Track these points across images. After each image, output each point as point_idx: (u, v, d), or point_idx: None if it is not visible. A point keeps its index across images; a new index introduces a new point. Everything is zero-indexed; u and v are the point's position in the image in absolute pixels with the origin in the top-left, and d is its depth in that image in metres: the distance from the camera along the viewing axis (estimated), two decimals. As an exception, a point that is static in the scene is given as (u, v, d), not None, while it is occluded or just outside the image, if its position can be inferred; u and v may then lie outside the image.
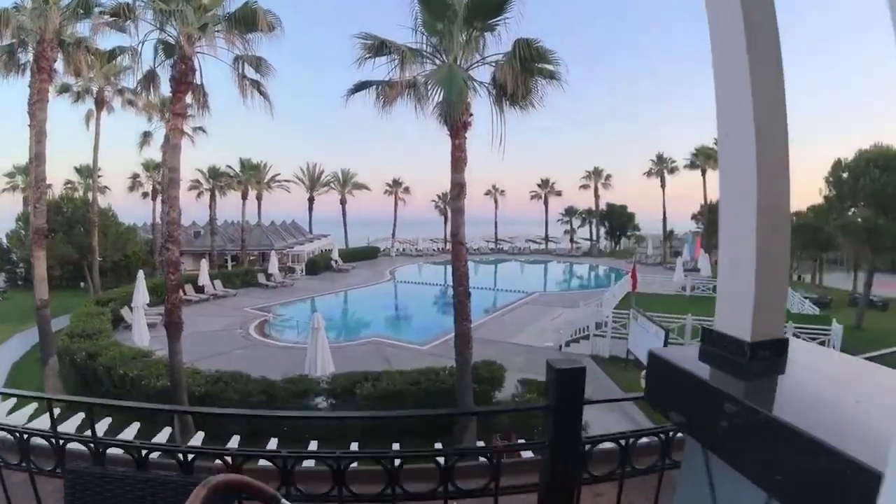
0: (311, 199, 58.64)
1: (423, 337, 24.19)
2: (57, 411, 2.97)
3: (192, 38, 12.86)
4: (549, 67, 12.89)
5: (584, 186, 60.79)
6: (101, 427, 7.19)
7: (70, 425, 7.23)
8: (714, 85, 1.70)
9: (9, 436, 2.92)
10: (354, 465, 2.52)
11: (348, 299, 37.01)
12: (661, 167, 52.91)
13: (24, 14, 16.14)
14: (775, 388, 1.55)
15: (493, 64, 13.23)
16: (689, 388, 1.58)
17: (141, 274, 22.50)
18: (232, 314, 28.96)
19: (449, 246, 56.30)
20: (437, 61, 13.28)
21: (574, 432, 2.52)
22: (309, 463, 3.49)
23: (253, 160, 46.64)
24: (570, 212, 66.25)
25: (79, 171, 45.86)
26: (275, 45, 14.46)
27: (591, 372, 18.81)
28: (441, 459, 2.51)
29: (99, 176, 36.47)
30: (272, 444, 11.11)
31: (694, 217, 59.04)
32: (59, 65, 20.26)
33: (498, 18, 12.58)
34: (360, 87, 13.30)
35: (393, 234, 63.77)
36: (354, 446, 9.50)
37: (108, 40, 15.39)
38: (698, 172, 49.59)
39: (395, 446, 7.88)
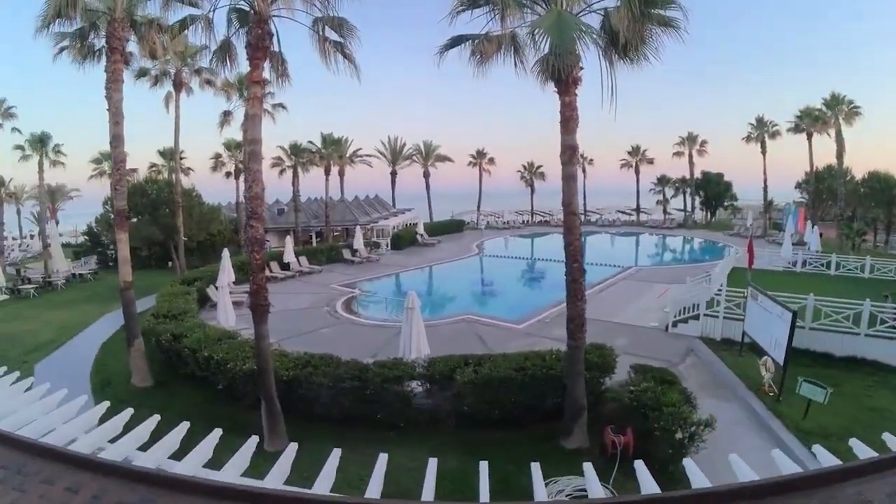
0: (393, 173, 58.61)
1: (517, 314, 23.03)
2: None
3: (267, -3, 11.91)
4: (665, 14, 11.20)
5: (678, 154, 57.79)
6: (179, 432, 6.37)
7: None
8: None
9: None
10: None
11: (436, 274, 36.25)
12: (762, 131, 48.88)
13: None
14: None
15: (601, 12, 11.68)
16: None
17: (226, 252, 22.26)
18: (318, 291, 28.74)
19: (537, 218, 55.63)
20: (540, 9, 11.77)
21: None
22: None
23: (334, 135, 46.48)
24: (662, 181, 62.63)
25: (162, 154, 47.25)
26: (356, 8, 13.42)
27: (702, 356, 17.33)
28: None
29: (182, 158, 37.27)
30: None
31: (798, 186, 54.53)
32: (134, 48, 20.14)
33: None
34: (456, 41, 12.12)
35: (478, 207, 62.69)
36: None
37: (180, 17, 14.65)
38: (803, 136, 45.32)
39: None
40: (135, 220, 33.37)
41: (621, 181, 62.68)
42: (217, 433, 6.00)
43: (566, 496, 9.79)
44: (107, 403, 6.99)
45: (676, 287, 22.42)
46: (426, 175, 59.45)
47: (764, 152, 49.37)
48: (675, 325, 20.36)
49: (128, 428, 6.49)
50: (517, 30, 12.01)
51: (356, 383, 12.66)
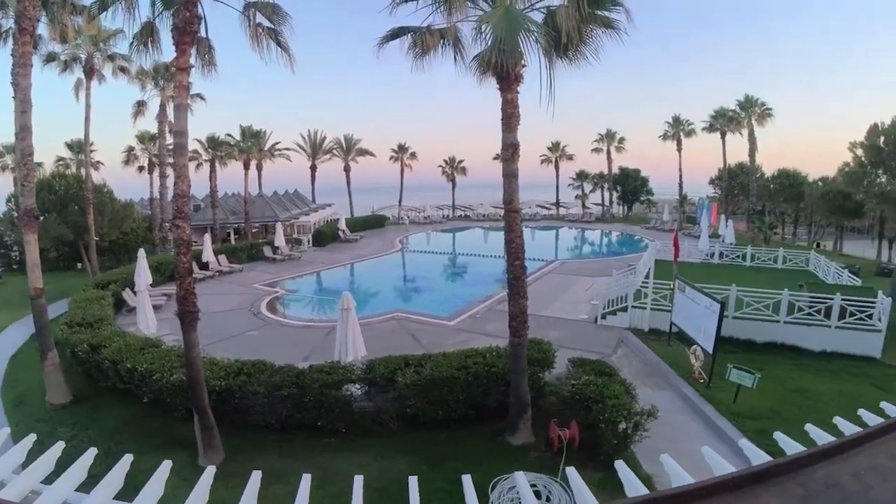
0: (313, 168, 57.36)
1: (447, 311, 23.10)
2: None
3: (197, -22, 11.18)
4: (609, 15, 11.40)
5: (597, 150, 59.66)
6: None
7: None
8: None
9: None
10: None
11: (361, 271, 35.65)
12: (678, 130, 51.35)
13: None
14: None
15: (544, 10, 11.71)
16: None
17: (142, 252, 20.93)
18: (240, 291, 27.68)
19: (458, 212, 55.72)
20: (484, 4, 11.74)
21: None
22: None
23: (253, 128, 45.08)
24: (581, 176, 64.85)
25: (70, 146, 44.44)
26: None
27: (633, 347, 17.85)
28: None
29: (92, 151, 34.70)
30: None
31: (712, 182, 57.63)
32: (43, 30, 18.64)
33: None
34: (397, 33, 11.84)
35: (400, 202, 62.41)
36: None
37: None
38: (717, 135, 48.12)
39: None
40: (42, 218, 30.88)
41: (541, 176, 63.63)
42: (128, 459, 5.30)
43: (516, 493, 9.77)
44: (32, 437, 6.10)
45: (603, 280, 23.01)
46: (347, 169, 58.46)
47: (679, 150, 51.87)
48: (604, 317, 20.86)
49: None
50: (460, 24, 11.87)
51: (294, 390, 12.14)
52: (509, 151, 11.76)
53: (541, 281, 28.70)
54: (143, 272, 19.74)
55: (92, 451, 5.72)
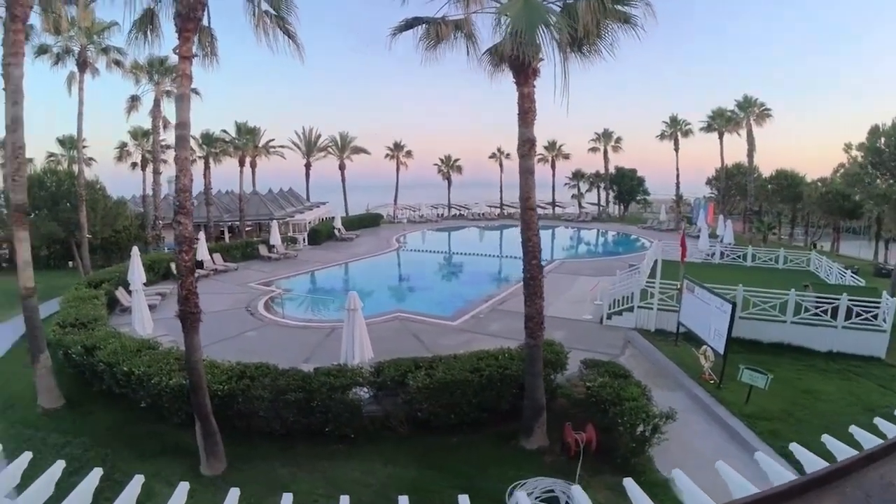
0: (307, 166, 56.81)
1: (449, 311, 22.78)
2: None
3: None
4: (627, 10, 11.10)
5: (593, 149, 59.43)
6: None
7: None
8: None
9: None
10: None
11: (358, 270, 35.26)
12: (675, 129, 51.41)
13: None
14: None
15: (560, 4, 11.36)
16: None
17: (136, 251, 20.34)
18: (236, 290, 27.21)
19: (453, 211, 55.41)
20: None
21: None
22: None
23: (249, 124, 44.65)
24: (577, 175, 63.93)
25: (61, 142, 43.44)
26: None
27: (641, 348, 17.63)
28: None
29: (84, 146, 33.96)
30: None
31: (709, 182, 57.61)
32: (35, 20, 18.15)
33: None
34: (411, 23, 11.53)
35: (395, 200, 61.91)
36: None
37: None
38: (715, 135, 48.12)
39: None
40: (32, 215, 30.24)
41: (537, 175, 62.87)
42: (139, 481, 4.79)
43: (535, 499, 9.51)
44: (28, 455, 5.62)
45: (606, 279, 22.78)
46: (342, 167, 58.08)
47: (676, 149, 51.87)
48: (609, 317, 20.64)
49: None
50: (474, 16, 11.61)
51: (300, 395, 11.69)
52: (526, 147, 11.53)
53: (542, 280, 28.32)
54: (137, 271, 19.15)
55: (60, 464, 5.28)
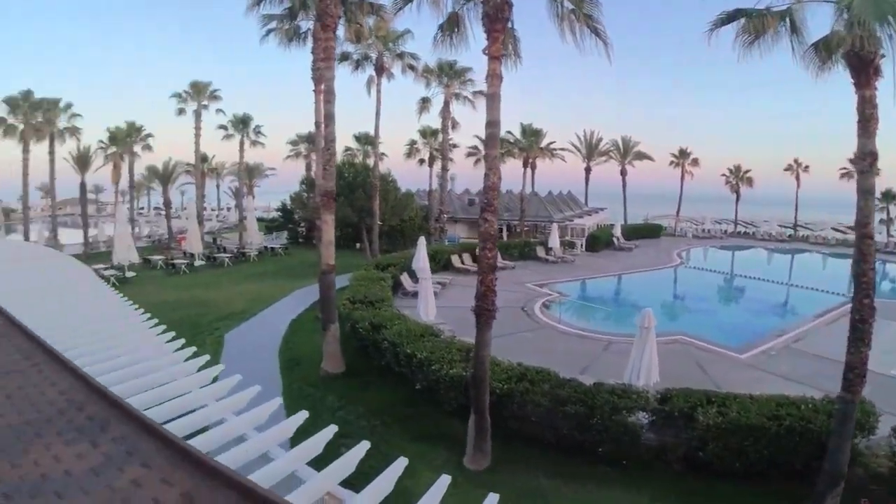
0: (587, 169, 56.66)
1: (736, 341, 20.31)
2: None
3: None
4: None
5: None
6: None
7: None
8: None
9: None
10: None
11: (636, 283, 33.91)
12: None
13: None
14: None
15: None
16: None
17: (422, 240, 22.13)
18: (513, 289, 27.47)
19: (739, 229, 50.48)
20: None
21: None
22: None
23: (533, 126, 45.35)
24: (887, 196, 50.10)
25: (357, 138, 49.77)
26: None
27: None
28: None
29: (379, 143, 38.46)
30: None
31: None
32: (338, 31, 20.61)
33: None
34: (732, 16, 10.33)
35: (678, 212, 58.74)
36: None
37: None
38: None
39: None
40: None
41: (840, 193, 53.71)
42: (402, 463, 5.50)
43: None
44: (305, 414, 6.51)
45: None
46: (623, 173, 56.60)
47: None
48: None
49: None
50: (798, 5, 10.03)
51: (581, 408, 11.31)
52: (867, 162, 9.67)
53: (843, 321, 23.86)
54: (422, 259, 20.58)
55: (332, 428, 6.21)
